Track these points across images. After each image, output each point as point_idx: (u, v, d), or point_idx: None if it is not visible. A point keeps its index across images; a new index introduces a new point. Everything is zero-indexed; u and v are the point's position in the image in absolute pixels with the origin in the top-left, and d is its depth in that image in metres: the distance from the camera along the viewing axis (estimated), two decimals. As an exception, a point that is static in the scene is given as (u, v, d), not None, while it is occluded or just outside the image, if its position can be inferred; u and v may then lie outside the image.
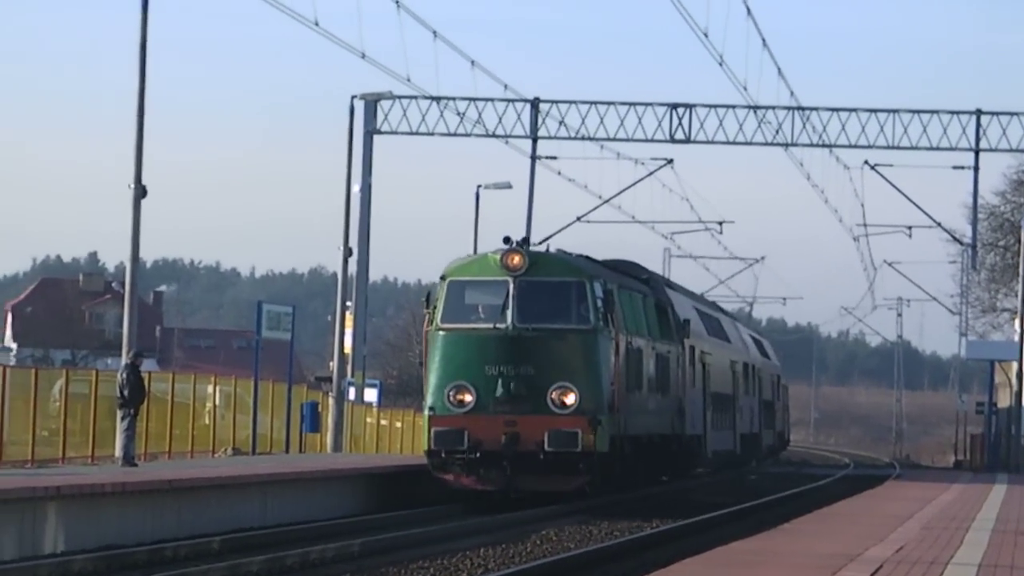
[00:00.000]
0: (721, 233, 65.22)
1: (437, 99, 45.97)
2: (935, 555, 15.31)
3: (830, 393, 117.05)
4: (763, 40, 34.66)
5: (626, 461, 28.97)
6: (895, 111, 45.91)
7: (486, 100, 45.93)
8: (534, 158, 46.93)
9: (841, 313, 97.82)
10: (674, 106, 45.65)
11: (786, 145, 45.64)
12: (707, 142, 45.84)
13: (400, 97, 45.32)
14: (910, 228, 57.44)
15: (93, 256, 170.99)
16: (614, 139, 46.66)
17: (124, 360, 27.88)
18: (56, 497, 18.71)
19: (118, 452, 26.25)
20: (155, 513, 20.79)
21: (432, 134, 47.01)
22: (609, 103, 46.24)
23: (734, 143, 45.86)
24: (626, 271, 33.59)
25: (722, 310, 54.52)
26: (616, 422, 27.35)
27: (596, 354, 26.73)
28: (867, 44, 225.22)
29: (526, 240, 27.42)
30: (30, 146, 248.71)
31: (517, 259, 26.64)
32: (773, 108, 44.99)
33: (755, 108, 44.56)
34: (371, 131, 45.70)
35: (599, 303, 26.84)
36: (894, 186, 48.69)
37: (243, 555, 18.15)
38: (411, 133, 46.66)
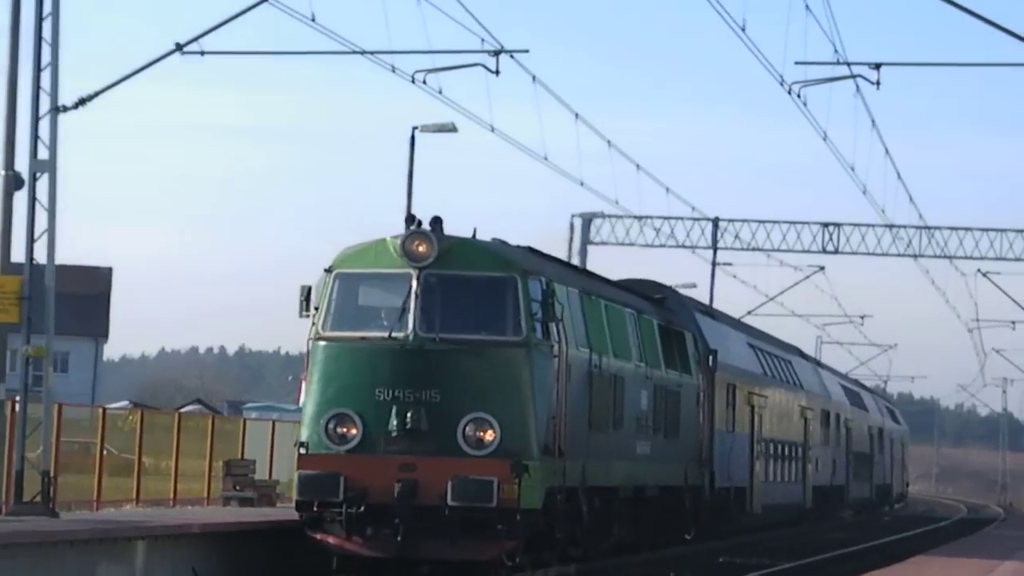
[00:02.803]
0: (863, 325, 78.78)
1: (639, 217, 55.63)
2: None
3: (948, 453, 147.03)
4: (898, 173, 42.67)
5: (578, 520, 21.97)
6: (1003, 230, 55.57)
7: (677, 218, 56.20)
8: (714, 264, 57.23)
9: (958, 389, 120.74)
10: (825, 224, 56.55)
11: (915, 256, 56.48)
12: (851, 253, 56.70)
13: (609, 216, 55.26)
14: (1014, 323, 67.37)
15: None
16: (777, 250, 57.44)
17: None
18: None
19: None
20: None
21: (634, 245, 57.01)
22: (774, 221, 56.98)
23: (873, 254, 56.94)
24: (629, 287, 27.89)
25: (812, 359, 53.40)
26: (557, 468, 20.33)
27: (528, 375, 19.64)
28: (986, 171, 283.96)
29: (438, 221, 20.30)
30: None
31: (422, 245, 19.67)
32: (905, 227, 54.88)
33: (890, 227, 54.32)
34: (587, 242, 55.98)
35: (536, 307, 19.82)
36: (1001, 289, 58.04)
37: None
38: (618, 244, 56.98)
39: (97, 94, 21.68)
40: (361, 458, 19.30)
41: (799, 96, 27.46)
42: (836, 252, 56.82)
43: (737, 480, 33.31)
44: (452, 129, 34.20)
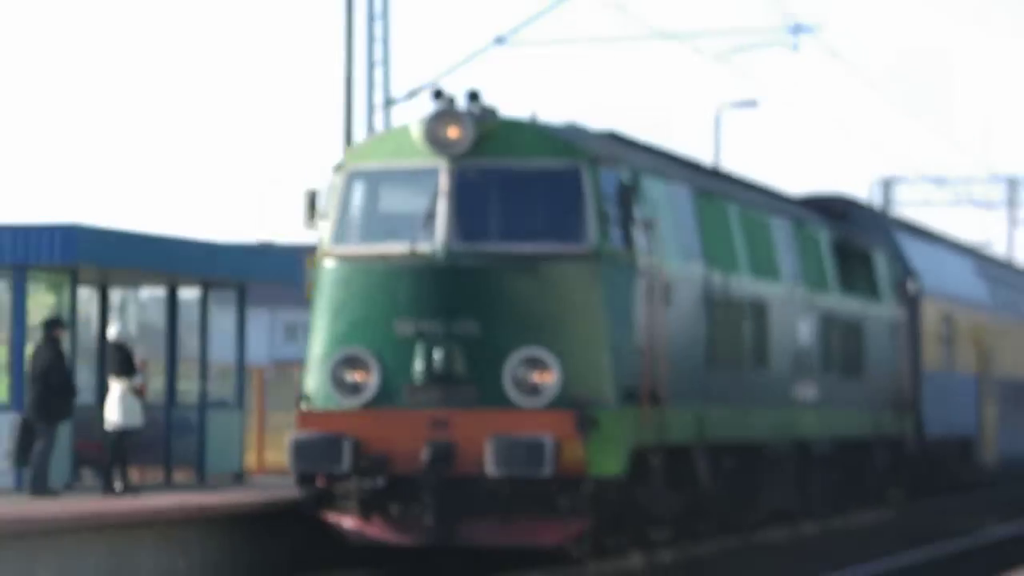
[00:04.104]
0: None
1: (936, 181, 52.84)
2: None
3: None
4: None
5: (692, 488, 17.07)
6: None
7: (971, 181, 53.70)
8: (1011, 223, 55.57)
9: None
10: None
11: None
12: None
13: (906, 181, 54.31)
14: None
15: None
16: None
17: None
18: None
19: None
20: None
21: (933, 206, 54.84)
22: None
23: None
24: (818, 203, 25.11)
25: None
26: (652, 420, 15.44)
27: (599, 297, 14.89)
28: None
29: (475, 96, 15.25)
30: None
31: (454, 129, 14.87)
32: None
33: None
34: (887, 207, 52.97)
35: (608, 207, 15.06)
36: None
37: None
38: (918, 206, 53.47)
39: (424, 87, 23.19)
40: (379, 414, 14.82)
41: None
42: None
43: (958, 428, 29.55)
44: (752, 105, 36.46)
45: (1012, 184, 52.48)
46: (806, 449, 21.11)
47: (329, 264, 15.39)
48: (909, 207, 52.57)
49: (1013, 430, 33.15)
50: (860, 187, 62.74)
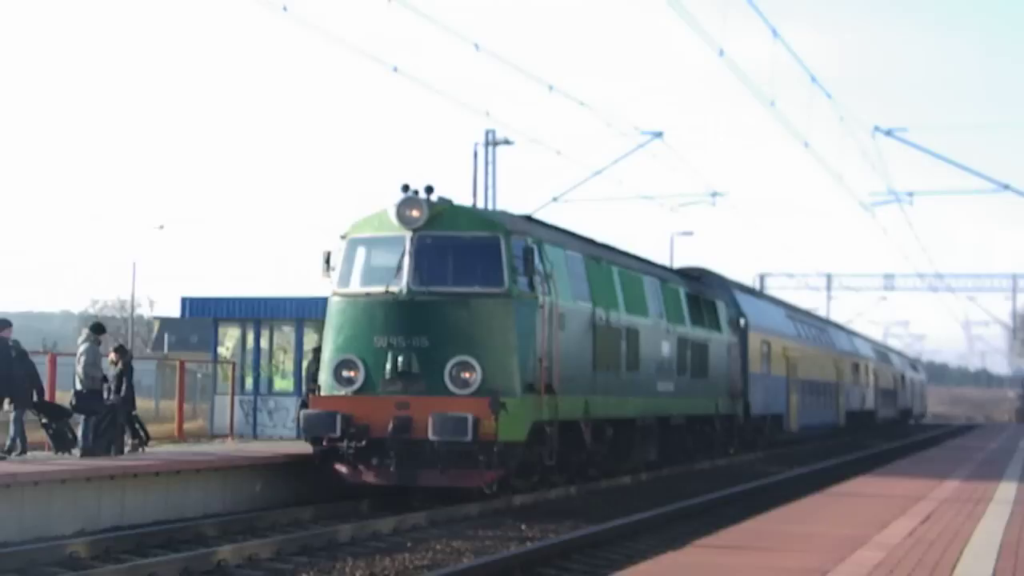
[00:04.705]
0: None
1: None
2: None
3: (955, 391, 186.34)
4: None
5: (580, 448, 24.71)
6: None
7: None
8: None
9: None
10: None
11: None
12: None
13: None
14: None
15: None
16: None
17: None
18: None
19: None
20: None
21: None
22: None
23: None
24: (693, 276, 36.94)
25: (848, 330, 71.46)
26: (547, 404, 22.55)
27: (508, 322, 21.72)
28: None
29: (430, 189, 22.56)
30: None
31: (415, 211, 22.20)
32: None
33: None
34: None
35: (517, 263, 21.99)
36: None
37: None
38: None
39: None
40: (363, 398, 21.79)
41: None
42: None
43: (774, 408, 42.91)
44: (690, 234, 63.41)
45: (829, 278, 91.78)
46: (667, 422, 30.13)
47: (335, 300, 22.67)
48: (774, 289, 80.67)
49: (808, 410, 48.86)
50: (748, 276, 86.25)
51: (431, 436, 20.89)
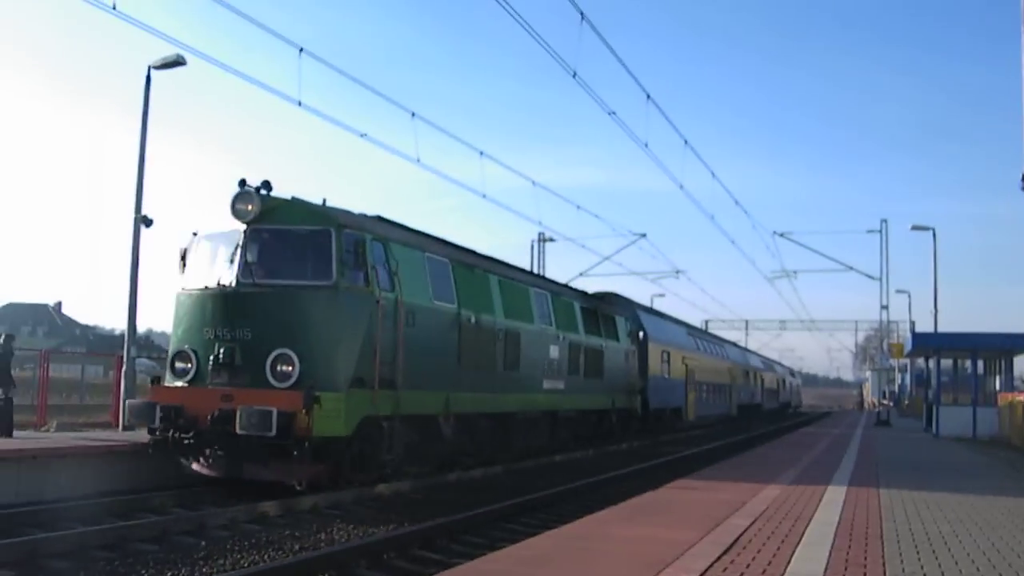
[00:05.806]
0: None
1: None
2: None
3: (823, 390, 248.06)
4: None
5: (439, 441, 24.76)
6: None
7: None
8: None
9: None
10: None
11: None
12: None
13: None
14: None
15: None
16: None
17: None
18: None
19: None
20: None
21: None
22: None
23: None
24: (600, 297, 44.58)
25: (746, 350, 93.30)
26: (383, 399, 22.09)
27: (334, 315, 21.19)
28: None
29: (266, 184, 22.10)
30: None
31: (248, 205, 21.93)
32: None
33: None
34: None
35: (347, 257, 21.50)
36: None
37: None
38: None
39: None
40: (193, 389, 21.53)
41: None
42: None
43: (673, 403, 51.87)
44: (663, 295, 74.70)
45: (747, 323, 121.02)
46: (555, 415, 31.64)
47: (180, 294, 22.42)
48: (714, 329, 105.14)
49: (702, 405, 59.50)
50: (697, 320, 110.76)
51: (238, 430, 20.25)
